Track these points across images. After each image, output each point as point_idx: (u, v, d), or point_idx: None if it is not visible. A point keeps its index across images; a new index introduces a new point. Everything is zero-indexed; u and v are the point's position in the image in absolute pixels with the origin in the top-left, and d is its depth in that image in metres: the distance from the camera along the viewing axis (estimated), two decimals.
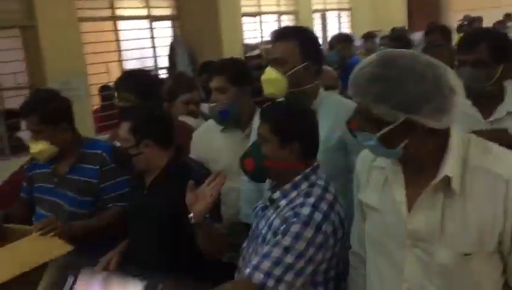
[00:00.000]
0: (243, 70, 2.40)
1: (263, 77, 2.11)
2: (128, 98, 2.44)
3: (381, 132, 1.26)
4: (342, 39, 5.44)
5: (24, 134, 4.85)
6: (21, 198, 2.53)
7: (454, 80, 1.25)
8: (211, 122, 2.45)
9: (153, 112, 2.17)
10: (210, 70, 2.42)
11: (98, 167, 2.31)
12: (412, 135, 1.26)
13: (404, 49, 1.34)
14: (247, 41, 7.42)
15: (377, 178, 1.44)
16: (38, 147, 2.29)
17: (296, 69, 2.06)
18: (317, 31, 9.60)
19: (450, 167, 1.27)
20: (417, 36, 6.74)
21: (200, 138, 2.47)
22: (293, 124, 1.69)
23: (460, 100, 1.25)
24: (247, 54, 6.55)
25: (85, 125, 4.61)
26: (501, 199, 1.24)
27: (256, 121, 2.31)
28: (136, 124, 2.05)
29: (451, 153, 1.28)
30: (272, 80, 2.09)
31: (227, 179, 2.24)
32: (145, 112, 2.14)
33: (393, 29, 7.93)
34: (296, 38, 2.08)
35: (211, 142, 2.40)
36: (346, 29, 9.08)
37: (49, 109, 2.28)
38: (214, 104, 2.32)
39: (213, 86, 2.33)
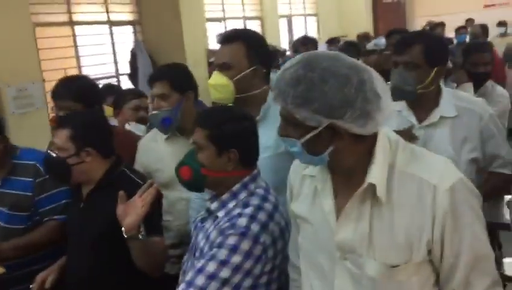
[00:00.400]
0: (185, 76, 2.32)
1: (210, 82, 2.03)
2: (67, 106, 2.31)
3: (305, 138, 1.20)
4: (306, 42, 5.39)
5: None
6: None
7: (381, 84, 1.19)
8: (155, 130, 2.36)
9: (93, 118, 2.06)
10: (151, 77, 2.32)
11: (31, 179, 2.18)
12: (337, 141, 1.20)
13: (331, 51, 1.28)
14: (212, 47, 7.35)
15: (308, 188, 1.38)
16: None
17: (243, 74, 1.99)
18: (283, 36, 9.61)
19: (374, 174, 1.21)
20: (382, 41, 6.82)
21: (144, 148, 2.37)
22: (230, 130, 1.60)
23: (387, 105, 1.19)
24: (211, 60, 6.47)
25: (42, 134, 4.46)
26: (428, 205, 1.18)
27: None
28: (76, 131, 1.93)
29: (376, 159, 1.22)
30: (219, 85, 2.01)
31: (174, 189, 2.15)
32: (85, 119, 2.02)
33: (358, 36, 8.00)
34: (242, 42, 2.01)
35: (155, 151, 2.30)
36: (312, 34, 9.10)
37: None
38: (155, 112, 2.23)
39: (154, 93, 2.23)
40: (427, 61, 2.00)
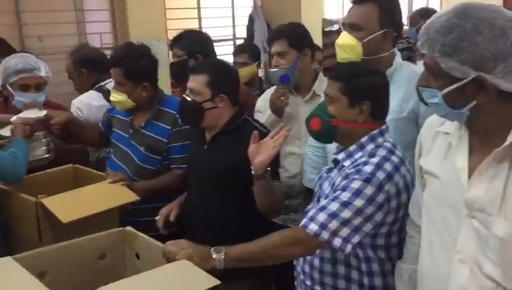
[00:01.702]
0: (303, 34, 2.42)
1: (337, 42, 2.09)
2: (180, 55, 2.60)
3: (447, 89, 1.19)
4: (425, 15, 5.13)
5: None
6: (99, 128, 2.76)
7: None
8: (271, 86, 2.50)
9: (228, 66, 2.23)
10: (270, 37, 2.47)
11: (169, 127, 2.41)
12: (481, 96, 1.17)
13: (487, 3, 1.22)
14: (328, 16, 7.30)
15: (440, 144, 1.39)
16: (117, 97, 2.45)
17: (372, 36, 2.02)
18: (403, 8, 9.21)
19: None
20: None
21: (262, 101, 2.50)
22: (364, 83, 1.68)
23: None
24: (327, 29, 6.45)
25: (162, 86, 4.77)
26: None
27: (317, 85, 2.31)
28: (213, 77, 2.09)
29: None
30: (346, 45, 2.06)
31: (287, 143, 2.27)
32: (222, 66, 2.19)
33: None
34: (375, 3, 2.03)
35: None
36: (435, 4, 8.61)
37: (135, 65, 2.40)
38: (274, 70, 2.34)
39: (273, 51, 2.36)
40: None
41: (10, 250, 2.13)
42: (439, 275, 1.36)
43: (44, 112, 2.58)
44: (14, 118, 2.45)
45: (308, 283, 1.80)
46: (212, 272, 1.51)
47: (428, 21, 1.26)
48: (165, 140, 2.44)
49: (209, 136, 2.18)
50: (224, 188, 2.00)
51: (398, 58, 2.09)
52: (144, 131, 2.48)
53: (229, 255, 1.56)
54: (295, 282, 1.92)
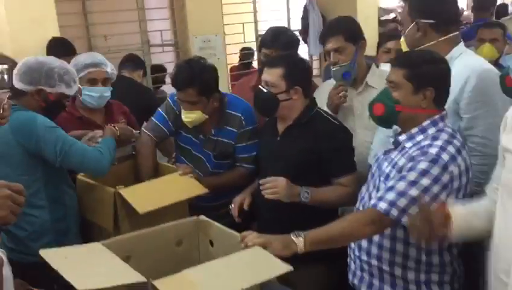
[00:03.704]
0: (356, 26, 2.44)
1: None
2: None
3: None
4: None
5: (167, 88, 5.30)
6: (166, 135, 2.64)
7: None
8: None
9: (301, 59, 2.30)
10: (322, 34, 2.47)
11: (236, 130, 2.50)
12: None
13: None
14: (383, 5, 7.22)
15: None
16: (192, 116, 2.43)
17: (407, 30, 2.14)
18: None
19: None
20: None
21: (321, 93, 2.54)
22: (428, 70, 1.74)
23: None
24: (383, 18, 6.38)
25: (221, 82, 4.90)
26: None
27: (370, 77, 2.35)
28: (288, 70, 2.17)
29: None
30: (401, 41, 2.13)
31: None
32: (296, 60, 2.26)
33: None
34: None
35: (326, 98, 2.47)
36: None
37: (205, 81, 2.40)
38: (337, 68, 2.37)
39: (329, 48, 2.38)
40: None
41: (85, 240, 2.31)
42: None
43: (131, 150, 2.60)
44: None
45: (364, 258, 1.87)
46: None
47: None
48: (233, 142, 2.51)
49: (282, 128, 2.24)
50: (297, 179, 2.08)
51: (457, 48, 2.09)
52: (215, 138, 2.52)
53: (308, 239, 1.65)
54: (348, 259, 1.99)
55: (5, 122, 1.89)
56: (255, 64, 6.12)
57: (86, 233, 2.48)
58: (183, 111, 2.45)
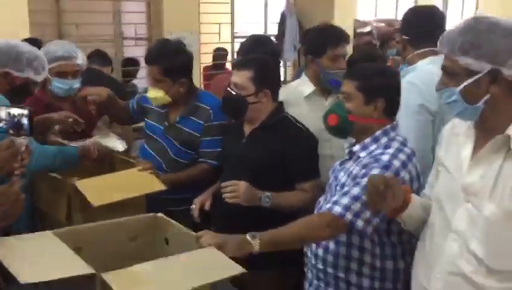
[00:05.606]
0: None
1: None
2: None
3: (465, 83, 1.36)
4: None
5: (138, 82, 5.22)
6: (127, 106, 2.71)
7: None
8: (297, 85, 2.55)
9: (271, 62, 2.28)
10: (334, 37, 2.47)
11: (202, 122, 2.47)
12: (494, 88, 1.34)
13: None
14: (361, 17, 7.30)
15: (453, 142, 1.55)
16: (154, 94, 2.46)
17: None
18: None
19: None
20: None
21: (290, 100, 2.51)
22: (379, 82, 1.82)
23: None
24: (359, 30, 6.45)
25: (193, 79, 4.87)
26: None
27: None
28: (257, 73, 2.15)
29: None
30: None
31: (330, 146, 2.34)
32: (265, 62, 2.23)
33: None
34: None
35: (297, 106, 2.44)
36: (469, 11, 8.51)
37: (173, 62, 2.40)
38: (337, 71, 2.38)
39: (341, 53, 2.41)
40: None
41: (35, 229, 2.22)
42: (436, 251, 1.53)
43: (122, 148, 2.51)
44: (90, 140, 2.42)
45: (320, 266, 1.88)
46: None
47: (448, 30, 1.44)
48: (198, 134, 2.49)
49: (248, 130, 2.22)
50: (260, 182, 2.05)
51: (421, 61, 2.25)
52: (179, 126, 2.51)
53: (263, 240, 1.64)
54: (304, 268, 2.00)
55: (25, 171, 1.80)
56: (228, 65, 6.09)
57: (38, 222, 2.40)
58: (149, 87, 2.50)
